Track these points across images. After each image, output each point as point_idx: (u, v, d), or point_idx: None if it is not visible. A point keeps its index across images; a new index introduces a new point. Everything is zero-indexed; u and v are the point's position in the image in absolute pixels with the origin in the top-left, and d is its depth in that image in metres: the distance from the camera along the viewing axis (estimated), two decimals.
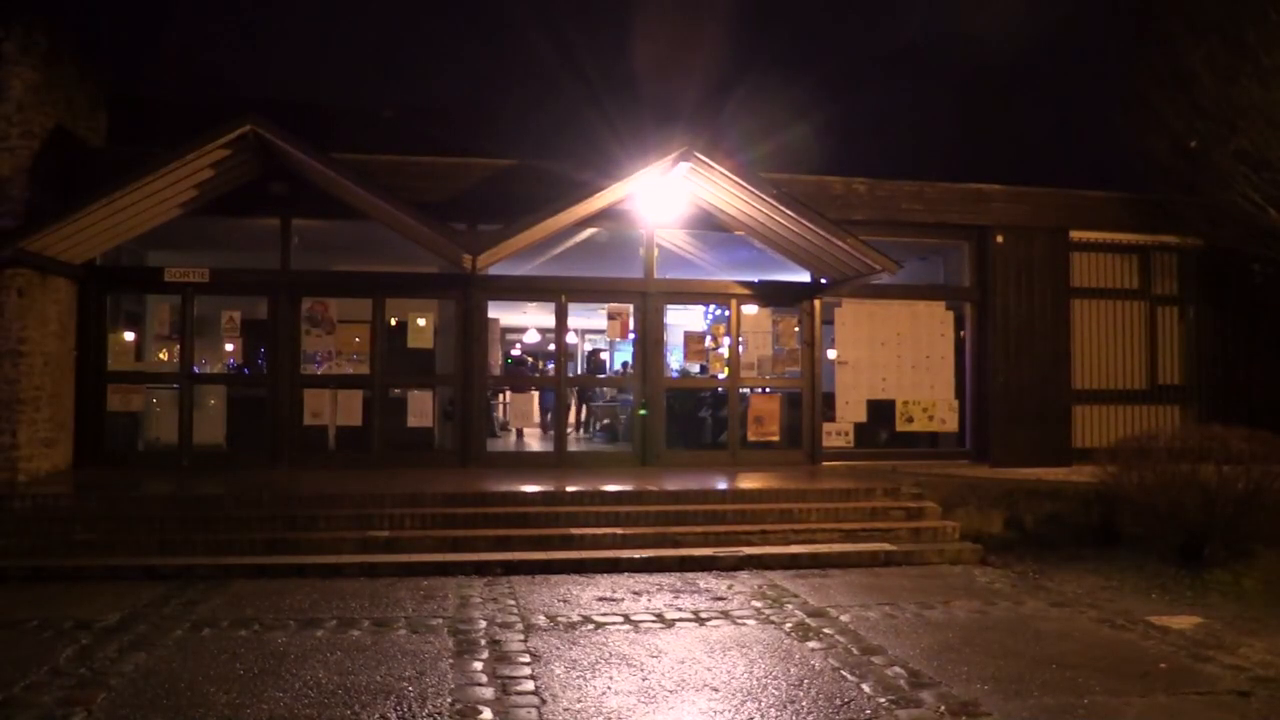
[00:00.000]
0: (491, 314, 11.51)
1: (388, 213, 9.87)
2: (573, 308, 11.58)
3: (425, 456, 10.99)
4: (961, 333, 12.12)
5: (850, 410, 11.73)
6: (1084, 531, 9.11)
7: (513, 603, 6.49)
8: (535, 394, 16.25)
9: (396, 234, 10.51)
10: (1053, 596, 7.00)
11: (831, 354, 11.92)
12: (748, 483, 9.52)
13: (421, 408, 10.97)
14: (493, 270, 11.09)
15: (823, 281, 11.47)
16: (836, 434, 11.63)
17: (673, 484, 9.20)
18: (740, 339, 11.56)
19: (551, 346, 15.84)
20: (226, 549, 7.52)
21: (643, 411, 11.23)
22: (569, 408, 13.96)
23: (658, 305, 11.33)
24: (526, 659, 5.25)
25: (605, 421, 15.92)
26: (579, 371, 19.30)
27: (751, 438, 11.48)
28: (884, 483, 9.33)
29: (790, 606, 6.46)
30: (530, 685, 4.82)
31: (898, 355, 11.87)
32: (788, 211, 9.83)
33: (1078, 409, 12.03)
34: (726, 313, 11.69)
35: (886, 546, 8.12)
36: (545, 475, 9.96)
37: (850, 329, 11.84)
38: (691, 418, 13.04)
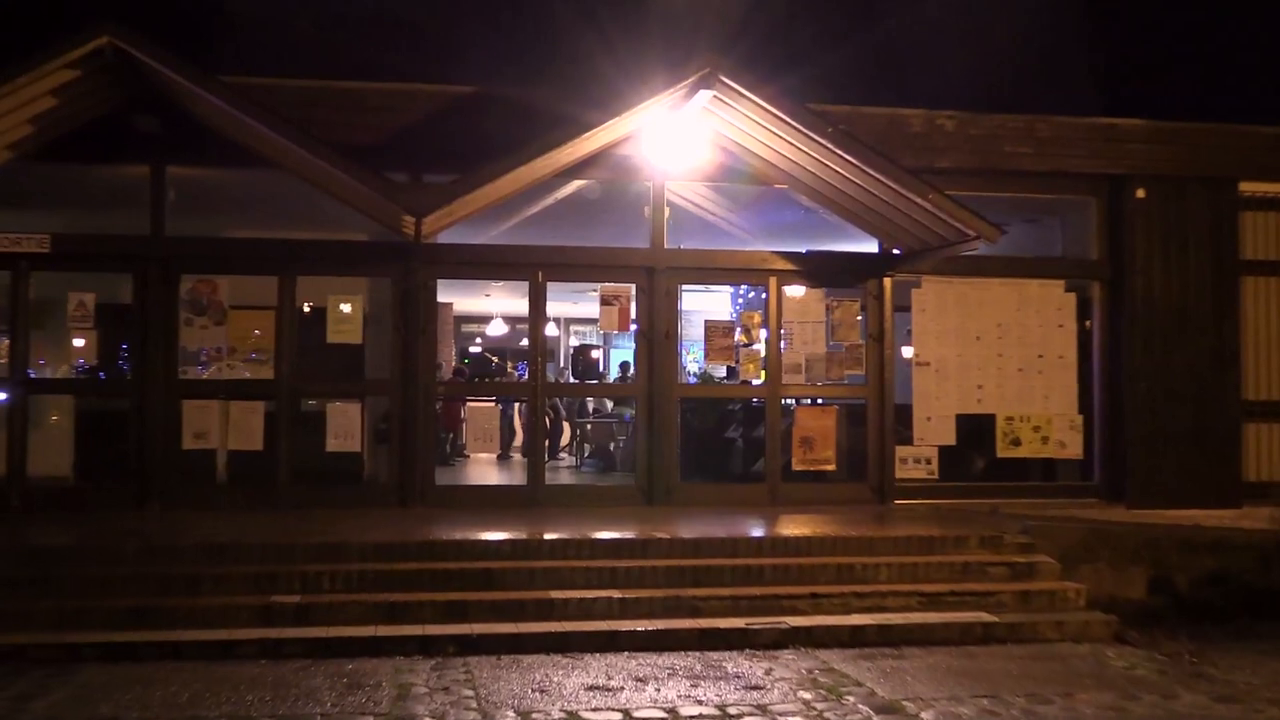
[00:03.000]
0: (443, 298, 11.62)
1: (301, 158, 9.84)
2: (553, 289, 11.59)
3: (351, 492, 11.07)
4: (1087, 323, 12.13)
5: (933, 429, 11.72)
6: (1261, 597, 9.13)
7: (470, 693, 6.48)
8: (501, 406, 16.22)
9: (312, 188, 10.50)
10: (1218, 688, 6.97)
11: (908, 352, 11.96)
12: (793, 528, 9.57)
13: (346, 425, 10.95)
14: (444, 238, 11.09)
15: (895, 253, 11.48)
16: (914, 461, 11.63)
17: (689, 530, 9.24)
18: (782, 331, 11.56)
19: (524, 342, 15.77)
20: (74, 622, 7.46)
21: (644, 436, 11.15)
22: (549, 425, 13.87)
23: (670, 285, 11.36)
24: None
25: (598, 444, 15.93)
26: (561, 374, 19.25)
27: (798, 466, 11.50)
28: (980, 529, 9.39)
29: (852, 699, 6.45)
30: None
31: (999, 354, 11.86)
32: (846, 156, 9.81)
33: (1250, 428, 12.03)
34: (764, 295, 11.70)
35: (984, 616, 8.15)
36: (516, 517, 10.00)
37: (933, 318, 11.83)
38: (715, 439, 13.06)
